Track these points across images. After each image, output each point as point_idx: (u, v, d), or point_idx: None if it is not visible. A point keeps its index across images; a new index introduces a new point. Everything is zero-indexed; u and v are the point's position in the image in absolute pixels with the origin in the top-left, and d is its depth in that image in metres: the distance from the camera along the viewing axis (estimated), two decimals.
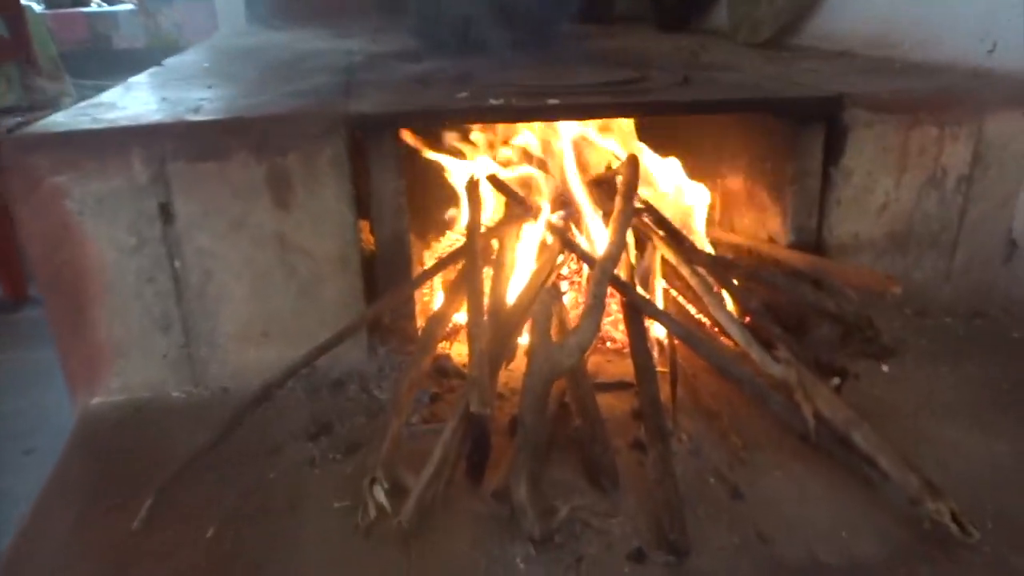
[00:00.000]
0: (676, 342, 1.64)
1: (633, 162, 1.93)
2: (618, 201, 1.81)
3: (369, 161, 1.58)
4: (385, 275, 1.66)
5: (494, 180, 1.96)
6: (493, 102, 1.59)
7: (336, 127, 1.51)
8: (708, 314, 1.73)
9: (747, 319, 1.70)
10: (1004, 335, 1.88)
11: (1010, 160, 1.91)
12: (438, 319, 1.61)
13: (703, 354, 1.54)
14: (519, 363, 1.66)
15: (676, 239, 1.83)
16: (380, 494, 1.22)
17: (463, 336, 1.75)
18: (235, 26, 4.10)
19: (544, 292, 1.57)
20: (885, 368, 1.68)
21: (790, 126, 1.80)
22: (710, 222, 2.17)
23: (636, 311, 1.63)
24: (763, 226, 1.97)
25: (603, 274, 1.57)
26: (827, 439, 1.40)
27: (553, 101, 1.60)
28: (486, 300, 1.56)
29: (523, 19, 2.48)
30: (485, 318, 1.49)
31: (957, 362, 1.75)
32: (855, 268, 1.75)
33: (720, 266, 1.78)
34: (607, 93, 1.72)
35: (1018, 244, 1.98)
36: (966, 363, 1.75)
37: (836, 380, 1.52)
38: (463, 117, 1.60)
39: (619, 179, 1.93)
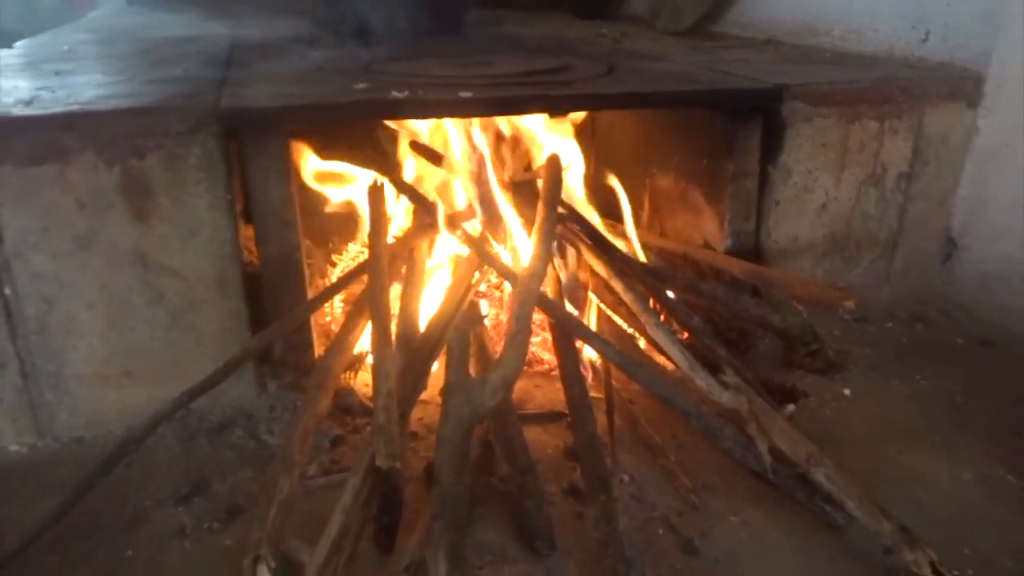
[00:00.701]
0: (608, 367, 1.47)
1: (555, 163, 1.73)
2: (540, 208, 1.61)
3: (248, 165, 1.32)
4: (274, 298, 1.41)
5: (399, 184, 1.73)
6: (396, 95, 1.35)
7: (206, 123, 1.25)
8: (644, 333, 1.55)
9: (685, 337, 1.53)
10: (948, 341, 1.78)
11: (949, 155, 1.81)
12: (338, 347, 1.37)
13: (643, 383, 1.36)
14: (436, 391, 1.44)
15: (606, 248, 1.65)
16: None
17: (369, 365, 1.52)
18: (116, 4, 3.71)
19: (460, 317, 1.35)
20: (847, 391, 1.54)
21: (726, 121, 1.64)
22: (638, 224, 2.01)
23: (566, 333, 1.44)
24: (697, 229, 1.81)
25: (527, 293, 1.36)
26: (786, 478, 1.24)
27: (466, 94, 1.38)
28: (394, 325, 1.34)
29: (431, 2, 2.25)
30: (393, 347, 1.27)
31: (906, 374, 1.63)
32: (802, 279, 1.61)
33: (655, 278, 1.61)
34: (527, 85, 1.51)
35: (957, 243, 1.89)
36: (915, 375, 1.63)
37: (791, 408, 1.36)
38: (361, 113, 1.36)
39: (540, 182, 1.74)
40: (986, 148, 1.80)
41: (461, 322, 1.34)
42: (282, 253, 1.38)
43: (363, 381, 1.53)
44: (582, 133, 1.90)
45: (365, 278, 1.52)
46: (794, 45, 2.29)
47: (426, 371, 1.30)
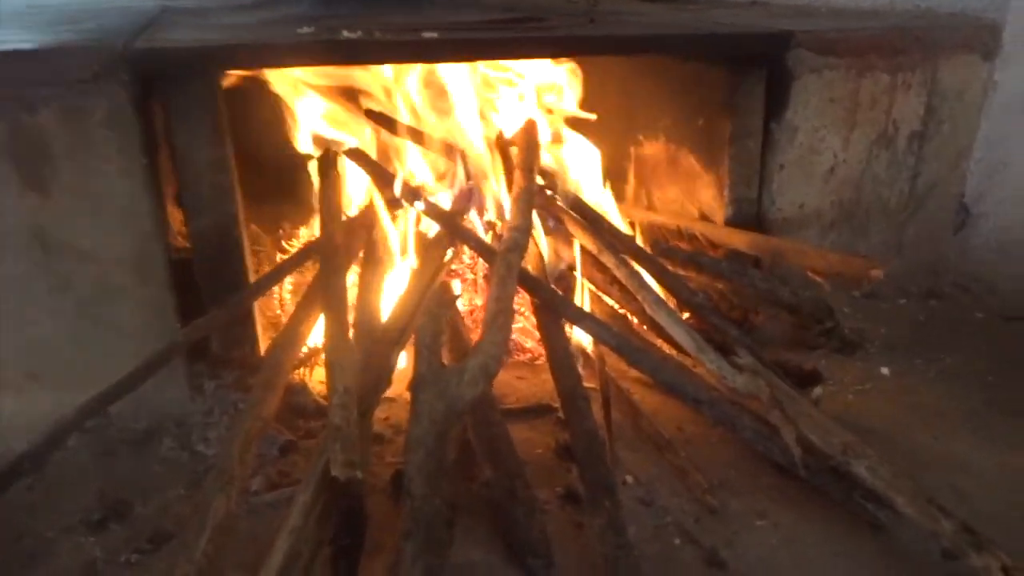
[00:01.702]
0: (605, 351, 1.27)
1: (531, 128, 1.53)
2: (518, 176, 1.41)
3: (171, 120, 1.10)
4: (208, 283, 1.19)
5: (356, 154, 1.51)
6: (348, 34, 1.14)
7: (112, 69, 1.03)
8: (640, 314, 1.35)
9: (687, 317, 1.34)
10: (967, 317, 1.62)
11: (964, 112, 1.64)
12: (288, 340, 1.16)
13: (645, 368, 1.17)
14: (404, 387, 1.24)
15: (593, 221, 1.45)
16: None
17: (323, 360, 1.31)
18: None
19: (430, 298, 1.15)
20: (885, 370, 1.36)
21: (726, 74, 1.46)
22: (622, 198, 1.82)
23: (553, 315, 1.24)
24: (693, 199, 1.62)
25: (508, 269, 1.17)
26: (818, 473, 1.05)
27: (430, 34, 1.17)
28: (351, 313, 1.13)
29: None
30: (350, 337, 1.06)
31: (928, 353, 1.46)
32: (818, 250, 1.42)
33: (650, 253, 1.42)
34: (499, 29, 1.31)
35: (971, 210, 1.73)
36: (939, 354, 1.46)
37: (818, 391, 1.18)
38: (305, 56, 1.15)
39: (514, 149, 1.54)
40: (1004, 104, 1.64)
41: (431, 306, 1.13)
42: (216, 227, 1.16)
43: (318, 378, 1.32)
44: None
45: (316, 261, 1.31)
46: (783, 5, 2.12)
47: (391, 363, 1.09)
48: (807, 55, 1.47)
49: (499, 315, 1.08)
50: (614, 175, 1.75)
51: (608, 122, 1.83)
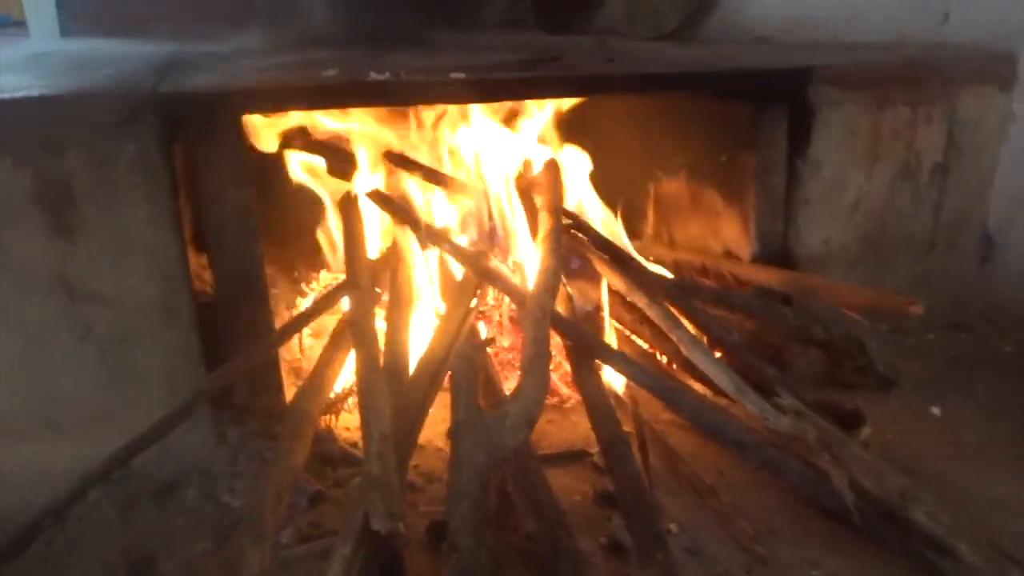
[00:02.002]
0: (637, 393, 1.24)
1: (553, 168, 1.52)
2: (544, 217, 1.39)
3: (198, 164, 1.08)
4: (232, 328, 1.16)
5: (377, 195, 1.50)
6: (376, 76, 1.13)
7: (140, 112, 1.01)
8: (673, 355, 1.32)
9: (719, 356, 1.31)
10: (998, 351, 1.60)
11: (984, 142, 1.64)
12: (314, 386, 1.13)
13: (684, 411, 1.14)
14: (431, 434, 1.20)
15: (620, 261, 1.43)
16: None
17: (352, 404, 1.27)
18: (48, 35, 3.40)
19: (463, 341, 1.12)
20: (936, 411, 1.33)
21: (749, 109, 1.45)
22: (640, 235, 1.80)
23: (586, 357, 1.21)
24: (717, 235, 1.60)
25: (542, 312, 1.14)
26: (871, 519, 1.01)
27: (457, 75, 1.16)
28: (382, 356, 1.10)
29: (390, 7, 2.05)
30: (383, 382, 1.03)
31: (964, 389, 1.44)
32: (852, 286, 1.40)
33: (680, 291, 1.39)
34: (525, 69, 1.30)
35: (995, 241, 1.71)
36: (975, 390, 1.43)
37: (866, 432, 1.15)
38: (336, 97, 1.13)
39: (538, 189, 1.52)
40: (1023, 135, 1.64)
41: (465, 349, 1.10)
42: (242, 273, 1.14)
43: (344, 424, 1.29)
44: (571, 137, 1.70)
45: (343, 304, 1.29)
46: (790, 41, 2.13)
47: (425, 409, 1.06)
48: (828, 89, 1.46)
49: (536, 359, 1.05)
50: (633, 213, 1.74)
51: (626, 160, 1.82)
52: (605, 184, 1.67)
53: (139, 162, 1.02)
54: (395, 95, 1.16)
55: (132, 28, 2.75)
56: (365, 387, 1.00)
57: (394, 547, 0.83)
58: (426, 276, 1.45)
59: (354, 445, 1.24)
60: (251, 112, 1.11)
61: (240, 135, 1.10)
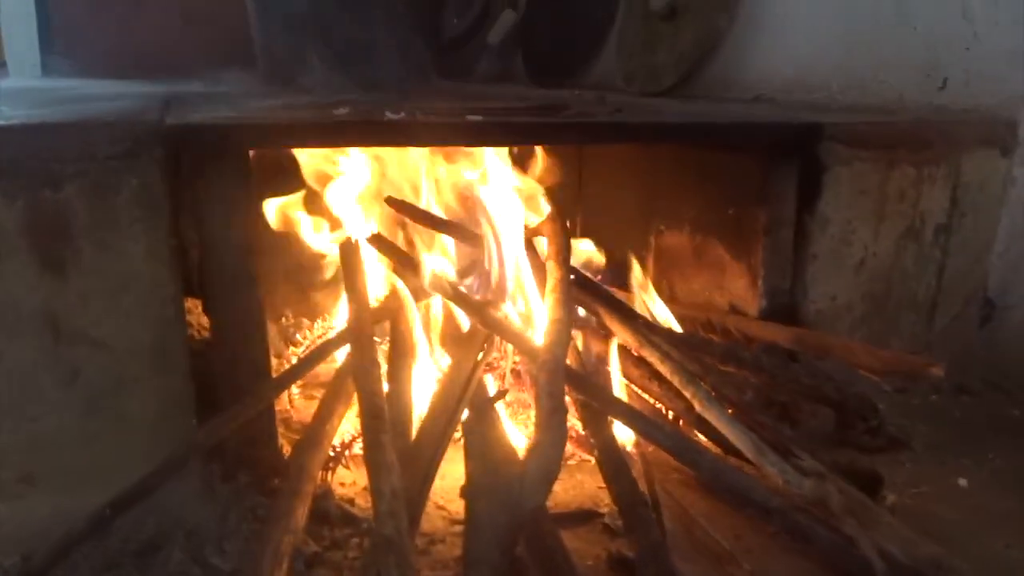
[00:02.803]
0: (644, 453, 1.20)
1: (557, 219, 1.49)
2: (552, 268, 1.36)
3: (200, 200, 1.03)
4: (228, 375, 1.09)
5: (378, 240, 1.45)
6: (391, 116, 1.09)
7: (146, 145, 0.96)
8: (685, 412, 1.28)
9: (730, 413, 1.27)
10: (1005, 414, 1.57)
11: (985, 205, 1.64)
12: (313, 440, 1.06)
13: (704, 471, 1.09)
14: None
15: (627, 314, 1.39)
16: None
17: (347, 458, 1.20)
18: (30, 73, 3.35)
19: (477, 400, 1.06)
20: (963, 482, 1.29)
21: (760, 164, 1.44)
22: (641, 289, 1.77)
23: (599, 414, 1.16)
24: (721, 290, 1.58)
25: (556, 364, 1.10)
26: None
27: (475, 117, 1.13)
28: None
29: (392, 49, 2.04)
30: (390, 436, 0.97)
31: (975, 453, 1.40)
32: (868, 347, 1.37)
33: (689, 347, 1.35)
34: (540, 115, 1.27)
35: (996, 304, 1.71)
36: (987, 453, 1.40)
37: (891, 499, 1.10)
38: (349, 136, 1.10)
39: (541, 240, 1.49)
40: (1022, 199, 1.64)
41: (480, 407, 1.05)
42: (241, 316, 1.08)
43: (339, 480, 1.21)
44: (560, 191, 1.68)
45: (342, 354, 1.23)
46: (790, 101, 2.14)
47: (435, 464, 1.00)
48: (837, 147, 1.46)
49: (553, 414, 1.00)
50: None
51: (625, 212, 1.80)
52: (603, 235, 1.65)
53: (142, 196, 0.97)
54: (410, 135, 1.12)
55: (115, 70, 2.71)
56: (372, 441, 0.93)
57: None
58: (427, 326, 1.40)
59: (350, 502, 1.17)
60: (262, 147, 1.06)
61: (247, 172, 1.05)
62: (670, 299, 1.73)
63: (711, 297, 1.60)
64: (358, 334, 1.13)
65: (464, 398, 1.09)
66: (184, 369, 1.05)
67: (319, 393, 1.47)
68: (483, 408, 1.04)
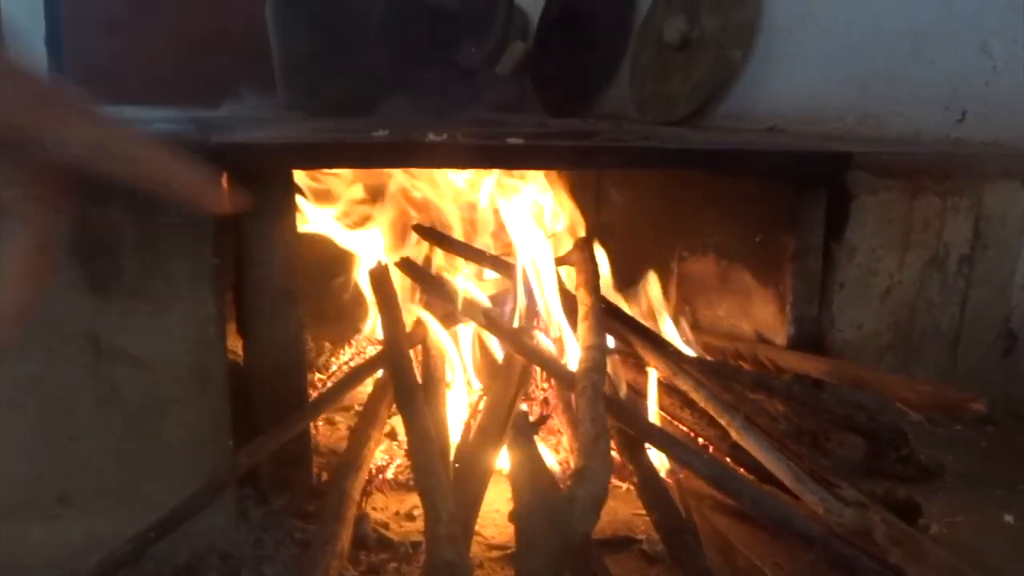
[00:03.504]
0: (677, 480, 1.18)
1: (587, 246, 1.49)
2: (582, 295, 1.35)
3: (244, 220, 1.02)
4: (269, 399, 1.08)
5: (407, 265, 1.45)
6: (434, 138, 1.09)
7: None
8: (718, 441, 1.27)
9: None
10: None
11: (1007, 237, 1.66)
12: (351, 464, 1.05)
13: (744, 500, 1.08)
14: None
15: (656, 342, 1.39)
16: None
17: (383, 484, 1.19)
18: None
19: (519, 425, 1.05)
20: (1009, 518, 1.28)
21: (788, 191, 1.44)
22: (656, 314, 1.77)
23: (634, 441, 1.15)
24: (747, 317, 1.58)
25: (594, 390, 1.09)
26: None
27: (516, 141, 1.13)
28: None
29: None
30: (439, 460, 0.96)
31: (1007, 483, 1.39)
32: (906, 380, 1.36)
33: (719, 375, 1.35)
34: (575, 140, 1.28)
35: (1017, 335, 1.71)
36: (1018, 484, 1.39)
37: (934, 529, 1.09)
38: (391, 157, 1.09)
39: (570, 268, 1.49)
40: None
41: (520, 426, 1.04)
42: (284, 337, 1.07)
43: (371, 505, 1.20)
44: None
45: (378, 378, 1.22)
46: (805, 133, 2.16)
47: (482, 491, 0.99)
48: (864, 176, 1.47)
49: (599, 439, 0.99)
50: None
51: (645, 237, 1.80)
52: (621, 261, 1.64)
53: (187, 214, 0.96)
54: (453, 158, 1.12)
55: (127, 95, 2.70)
56: (422, 465, 0.92)
57: None
58: (457, 352, 1.39)
59: (385, 526, 1.15)
60: (305, 168, 1.06)
61: (291, 191, 1.05)
62: (693, 326, 1.73)
63: (736, 324, 1.60)
64: (397, 356, 1.12)
65: (508, 422, 1.08)
66: (223, 391, 1.03)
67: (341, 418, 1.47)
68: (527, 432, 1.03)
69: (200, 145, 0.98)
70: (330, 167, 1.11)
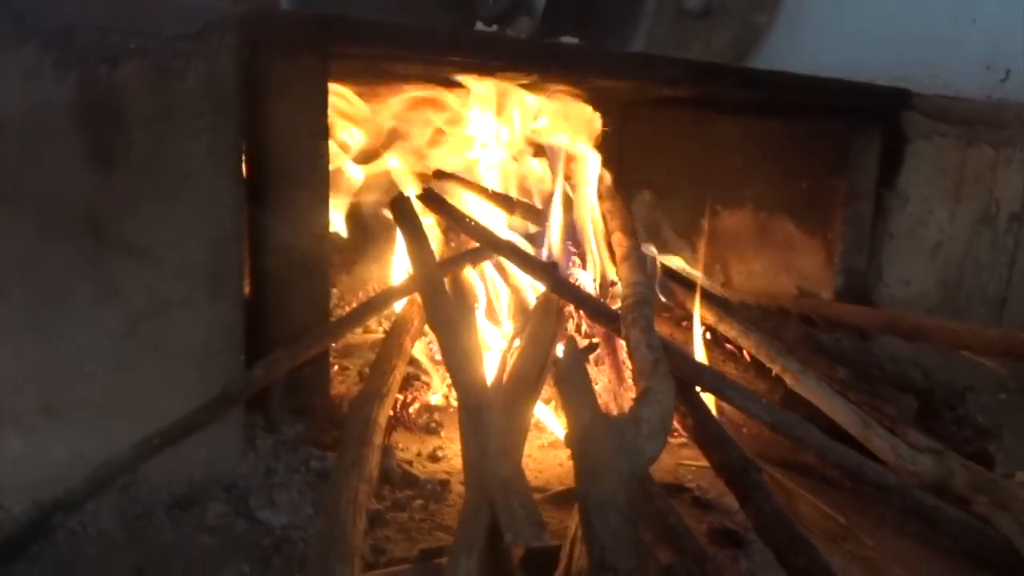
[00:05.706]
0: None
1: (617, 195, 1.39)
2: (619, 238, 1.25)
3: (272, 101, 0.90)
4: (284, 309, 0.96)
5: (431, 197, 1.34)
6: (484, 28, 0.98)
7: (220, 28, 0.84)
8: (767, 392, 1.16)
9: None
10: None
11: None
12: (375, 391, 0.93)
13: (810, 445, 0.97)
14: None
15: (698, 291, 1.28)
16: None
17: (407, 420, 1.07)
18: None
19: (571, 349, 0.94)
20: None
21: (842, 130, 1.35)
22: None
23: (687, 386, 1.04)
24: (788, 271, 1.48)
25: (646, 320, 0.99)
26: None
27: (570, 39, 1.02)
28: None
29: None
30: (487, 393, 0.84)
31: None
32: (971, 327, 1.26)
33: (769, 325, 1.25)
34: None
35: None
36: None
37: (1019, 475, 1.00)
38: (435, 45, 0.98)
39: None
40: None
41: (572, 351, 0.93)
42: (308, 241, 0.95)
43: (393, 442, 1.08)
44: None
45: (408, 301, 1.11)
46: None
47: (529, 414, 0.87)
48: (920, 119, 1.38)
49: (658, 363, 0.89)
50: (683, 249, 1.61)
51: (674, 191, 1.70)
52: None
53: (209, 86, 0.84)
54: (513, 55, 1.00)
55: None
56: (469, 397, 0.81)
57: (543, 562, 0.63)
58: (484, 289, 1.28)
59: (409, 464, 1.04)
60: (343, 46, 0.94)
61: (326, 74, 0.93)
62: (724, 284, 1.63)
63: (775, 279, 1.50)
64: (431, 282, 1.00)
65: (550, 355, 0.97)
66: (238, 296, 0.91)
67: (347, 363, 1.35)
68: (577, 357, 0.92)
69: (219, 8, 0.86)
70: (372, 49, 0.98)
